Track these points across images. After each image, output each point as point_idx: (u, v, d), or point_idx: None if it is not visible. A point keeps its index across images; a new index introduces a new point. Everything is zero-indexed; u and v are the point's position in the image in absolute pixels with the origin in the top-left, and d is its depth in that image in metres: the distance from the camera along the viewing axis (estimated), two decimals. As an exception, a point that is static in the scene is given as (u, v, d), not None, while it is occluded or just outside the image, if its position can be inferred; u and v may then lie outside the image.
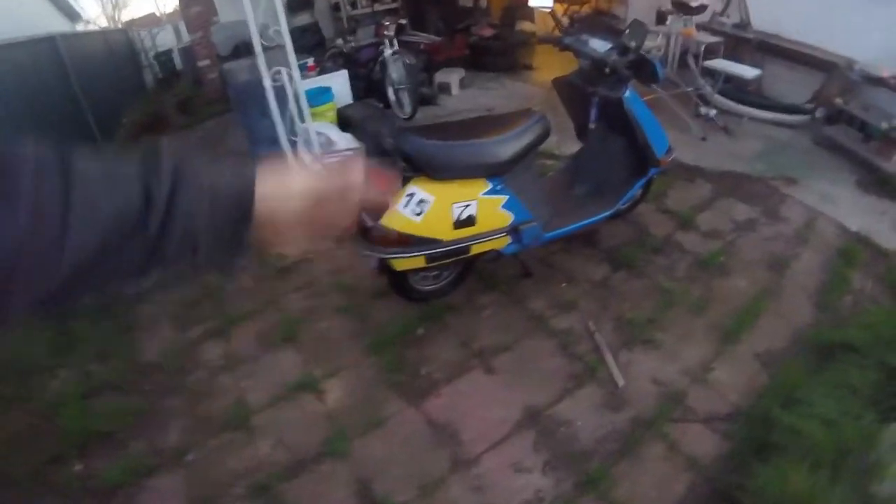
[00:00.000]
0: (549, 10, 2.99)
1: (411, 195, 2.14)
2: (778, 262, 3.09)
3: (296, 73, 3.94)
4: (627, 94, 2.62)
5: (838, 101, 4.26)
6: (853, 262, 3.15)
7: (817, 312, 2.79)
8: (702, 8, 4.70)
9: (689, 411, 2.23)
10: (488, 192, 2.25)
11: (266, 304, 2.97)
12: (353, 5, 7.17)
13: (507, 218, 2.34)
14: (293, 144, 4.04)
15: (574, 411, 2.23)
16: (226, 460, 2.17)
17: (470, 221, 2.24)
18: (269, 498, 2.00)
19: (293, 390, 2.41)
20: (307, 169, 0.59)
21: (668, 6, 5.30)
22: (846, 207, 3.69)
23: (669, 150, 2.84)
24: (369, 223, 2.19)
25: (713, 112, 4.59)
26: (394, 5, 7.68)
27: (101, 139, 6.34)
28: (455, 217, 2.20)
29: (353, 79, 5.26)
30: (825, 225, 3.49)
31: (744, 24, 5.01)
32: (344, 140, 4.31)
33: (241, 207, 0.52)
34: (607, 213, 2.73)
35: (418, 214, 2.14)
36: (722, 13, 5.35)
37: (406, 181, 2.18)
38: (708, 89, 4.72)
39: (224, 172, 0.53)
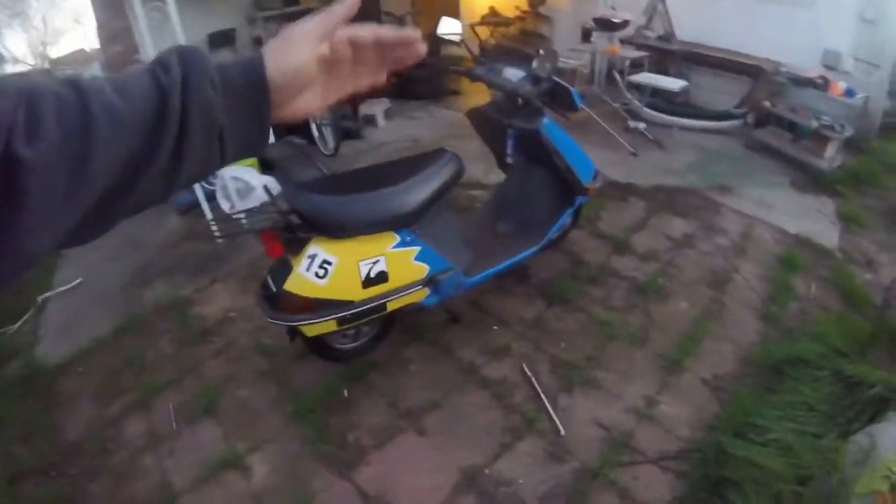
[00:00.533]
0: (459, 40, 2.76)
1: (313, 257, 1.93)
2: (718, 277, 3.00)
3: None
4: (544, 123, 2.48)
5: (766, 103, 4.28)
6: (795, 267, 3.11)
7: (764, 327, 2.70)
8: (624, 24, 4.70)
9: (637, 453, 2.08)
10: (397, 246, 2.06)
11: (186, 371, 2.72)
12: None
13: (423, 269, 2.14)
14: (209, 192, 3.80)
15: (514, 468, 2.05)
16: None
17: (381, 278, 2.04)
18: None
19: (217, 468, 2.18)
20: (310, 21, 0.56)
21: (592, 24, 5.33)
22: (783, 210, 3.66)
23: (596, 176, 2.71)
24: (273, 288, 2.00)
25: (643, 126, 4.56)
26: None
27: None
28: (363, 276, 2.00)
29: (274, 115, 5.08)
30: (763, 231, 3.44)
31: (668, 36, 5.05)
32: (264, 185, 4.07)
33: (256, 92, 0.52)
34: (534, 250, 2.56)
35: (322, 277, 1.93)
36: (646, 27, 5.38)
37: (305, 241, 1.98)
38: (636, 104, 4.69)
39: (230, 62, 0.52)
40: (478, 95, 6.59)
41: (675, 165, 4.26)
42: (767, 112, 4.33)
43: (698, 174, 4.10)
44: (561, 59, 5.97)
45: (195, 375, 2.69)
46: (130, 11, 3.22)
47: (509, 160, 2.57)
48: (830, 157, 4.03)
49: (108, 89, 0.43)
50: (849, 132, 3.95)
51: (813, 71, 4.13)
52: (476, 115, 2.74)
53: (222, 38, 5.94)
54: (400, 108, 5.91)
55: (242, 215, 3.73)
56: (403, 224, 2.05)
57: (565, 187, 2.60)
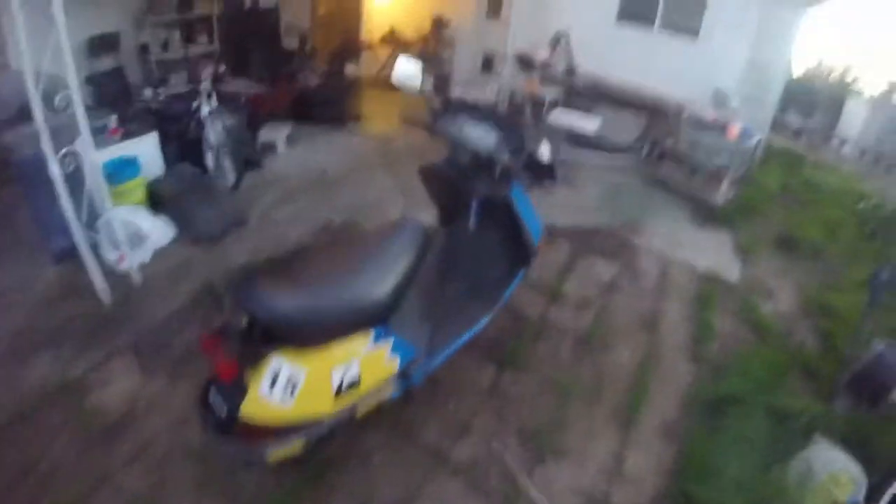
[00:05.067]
0: (418, 90, 2.35)
1: (276, 373, 1.58)
2: (649, 321, 3.16)
3: (90, 154, 3.16)
4: (513, 190, 2.33)
5: (668, 141, 4.61)
6: (710, 305, 3.38)
7: (696, 368, 2.89)
8: (545, 64, 4.77)
9: (618, 513, 2.09)
10: (372, 345, 1.78)
11: (97, 486, 2.19)
12: (165, 47, 6.12)
13: (394, 364, 1.89)
14: (94, 240, 3.25)
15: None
16: None
17: (354, 384, 1.75)
18: None
19: None
20: None
21: (492, 50, 5.39)
22: (690, 247, 4.00)
23: (541, 232, 2.68)
24: (221, 412, 1.62)
25: (558, 163, 4.69)
26: (210, 48, 6.75)
27: None
28: (335, 385, 1.70)
29: (166, 139, 4.44)
30: (678, 271, 3.71)
31: (571, 72, 5.24)
32: (158, 228, 3.55)
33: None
34: (490, 316, 2.42)
35: (290, 395, 1.60)
36: (549, 61, 5.55)
37: (263, 353, 1.62)
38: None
39: None
40: (380, 119, 6.42)
41: (587, 203, 4.46)
42: (666, 149, 4.67)
43: (608, 211, 4.35)
44: (459, 88, 5.99)
45: (111, 490, 2.19)
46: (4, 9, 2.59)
47: (472, 226, 2.36)
48: (724, 193, 4.47)
49: None
50: (741, 170, 4.40)
51: (711, 114, 4.52)
52: (430, 175, 2.49)
53: (104, 44, 5.11)
54: (302, 134, 5.51)
55: (135, 266, 3.22)
56: (379, 319, 1.79)
57: (519, 248, 2.50)
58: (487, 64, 6.19)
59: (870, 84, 10.29)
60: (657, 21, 5.72)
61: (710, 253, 3.98)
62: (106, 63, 5.26)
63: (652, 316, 3.21)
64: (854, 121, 9.43)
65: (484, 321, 2.40)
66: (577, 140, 5.00)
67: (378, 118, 6.32)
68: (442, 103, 2.38)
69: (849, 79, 10.88)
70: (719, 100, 5.01)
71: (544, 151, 2.28)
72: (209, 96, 4.27)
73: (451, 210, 2.55)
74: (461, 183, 2.32)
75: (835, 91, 10.15)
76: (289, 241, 3.58)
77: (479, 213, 2.32)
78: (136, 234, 3.41)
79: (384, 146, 5.47)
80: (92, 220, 3.22)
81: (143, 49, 5.84)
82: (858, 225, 4.97)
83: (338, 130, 5.84)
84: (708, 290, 3.50)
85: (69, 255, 3.19)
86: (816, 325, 3.37)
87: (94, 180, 3.15)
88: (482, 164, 2.27)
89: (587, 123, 4.61)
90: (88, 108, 4.63)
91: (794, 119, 9.64)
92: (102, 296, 2.96)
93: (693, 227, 4.37)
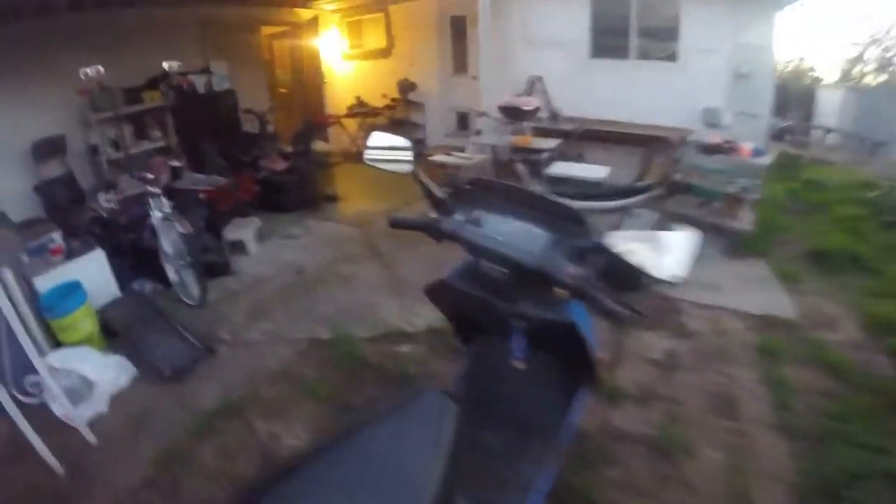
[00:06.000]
0: (409, 170, 1.70)
1: None
2: (722, 400, 2.58)
3: (14, 293, 2.60)
4: (573, 309, 1.44)
5: (678, 175, 4.18)
6: (778, 356, 2.87)
7: (791, 446, 2.30)
8: (535, 112, 4.35)
9: None
10: None
11: None
12: (116, 146, 5.56)
13: None
14: (30, 397, 2.62)
15: None
16: None
17: None
18: None
19: None
20: None
21: (464, 107, 4.98)
22: (732, 288, 3.53)
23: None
24: None
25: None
26: (165, 142, 6.22)
27: None
28: None
29: (118, 253, 3.85)
30: (731, 322, 3.22)
31: (554, 117, 4.86)
32: (110, 370, 2.88)
33: None
34: (558, 466, 1.67)
35: None
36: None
37: None
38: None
39: None
40: (357, 198, 5.86)
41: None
42: (676, 182, 4.23)
43: (635, 264, 3.82)
44: (440, 154, 5.47)
45: None
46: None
47: (518, 363, 1.52)
48: (746, 217, 4.03)
49: None
50: (757, 191, 3.98)
51: (716, 137, 4.14)
52: (443, 292, 1.67)
53: (50, 148, 4.58)
54: (272, 226, 4.98)
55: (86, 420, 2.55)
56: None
57: (578, 365, 1.67)
58: (462, 122, 5.82)
59: (824, 72, 10.40)
60: (632, 53, 5.46)
61: (755, 290, 3.51)
62: (54, 169, 4.75)
63: (723, 391, 2.63)
64: (829, 109, 9.58)
65: (549, 479, 1.64)
66: (584, 193, 4.53)
67: (355, 197, 5.84)
68: (448, 187, 1.64)
69: (809, 70, 11.02)
70: (711, 119, 4.66)
71: (631, 246, 1.30)
72: (158, 199, 3.71)
73: (468, 330, 1.85)
74: (493, 305, 1.51)
75: (804, 85, 10.21)
76: (268, 371, 2.95)
77: (525, 345, 1.52)
78: (83, 385, 2.76)
79: (365, 230, 4.94)
80: (22, 372, 2.60)
81: (93, 150, 5.33)
82: (875, 216, 4.80)
83: (312, 216, 5.33)
84: (769, 337, 3.00)
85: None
86: (888, 345, 2.93)
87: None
88: (525, 275, 1.40)
89: (594, 172, 4.14)
90: (32, 222, 4.12)
91: (772, 121, 9.61)
92: (52, 463, 2.31)
93: (726, 261, 3.91)
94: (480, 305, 1.55)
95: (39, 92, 4.54)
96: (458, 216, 1.52)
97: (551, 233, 1.42)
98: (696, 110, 4.78)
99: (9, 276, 2.70)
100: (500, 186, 1.61)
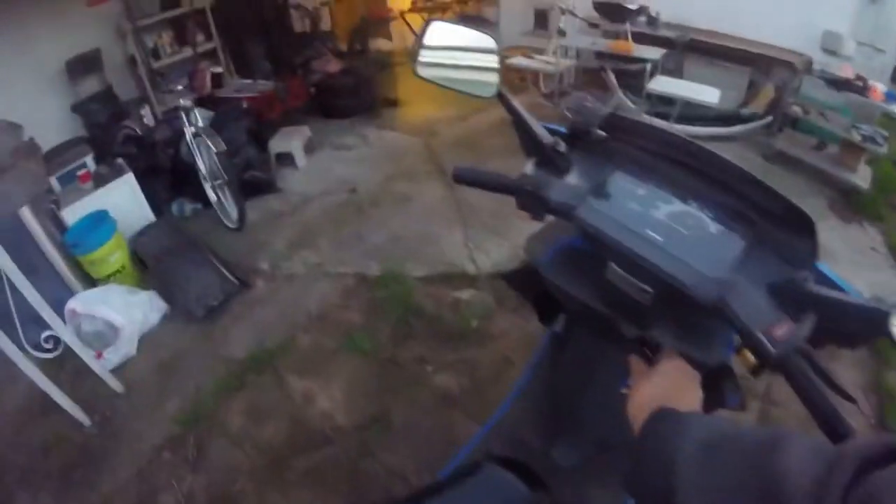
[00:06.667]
0: (503, 101, 0.92)
1: None
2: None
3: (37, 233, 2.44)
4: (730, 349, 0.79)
5: (796, 108, 3.45)
6: (889, 357, 2.36)
7: None
8: (639, 12, 3.60)
9: None
10: None
11: None
12: (156, 55, 5.22)
13: None
14: (47, 353, 2.52)
15: None
16: None
17: None
18: None
19: None
20: None
21: (546, 2, 4.17)
22: (846, 261, 2.92)
23: None
24: None
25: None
26: (210, 45, 5.78)
27: None
28: None
29: (154, 173, 3.63)
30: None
31: (653, 21, 4.07)
32: (137, 311, 2.64)
33: None
34: None
35: None
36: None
37: None
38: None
39: None
40: (423, 103, 5.21)
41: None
42: (789, 116, 3.51)
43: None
44: (518, 56, 4.77)
45: None
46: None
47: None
48: (866, 173, 3.35)
49: None
50: (884, 144, 3.25)
51: (847, 70, 3.33)
52: (529, 282, 1.04)
53: (84, 64, 4.30)
54: (324, 135, 4.55)
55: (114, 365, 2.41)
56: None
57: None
58: (541, 20, 5.02)
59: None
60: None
61: (867, 266, 2.90)
62: (92, 86, 4.45)
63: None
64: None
65: None
66: (660, 111, 3.85)
67: (419, 102, 5.18)
68: (564, 125, 0.96)
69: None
70: (831, 45, 3.78)
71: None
72: (192, 112, 3.38)
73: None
74: (615, 324, 0.88)
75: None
76: (307, 314, 2.70)
77: None
78: (109, 330, 2.57)
79: (428, 141, 4.40)
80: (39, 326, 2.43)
81: (132, 60, 4.98)
82: None
83: (369, 124, 4.82)
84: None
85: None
86: None
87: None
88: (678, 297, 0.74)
89: (705, 94, 3.43)
90: (69, 144, 3.94)
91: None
92: (80, 417, 2.23)
93: (838, 223, 3.26)
94: (591, 313, 0.99)
95: (68, 5, 4.14)
96: (575, 178, 0.87)
97: (749, 241, 0.75)
98: (812, 33, 3.90)
99: (28, 215, 2.48)
100: (662, 138, 0.85)
